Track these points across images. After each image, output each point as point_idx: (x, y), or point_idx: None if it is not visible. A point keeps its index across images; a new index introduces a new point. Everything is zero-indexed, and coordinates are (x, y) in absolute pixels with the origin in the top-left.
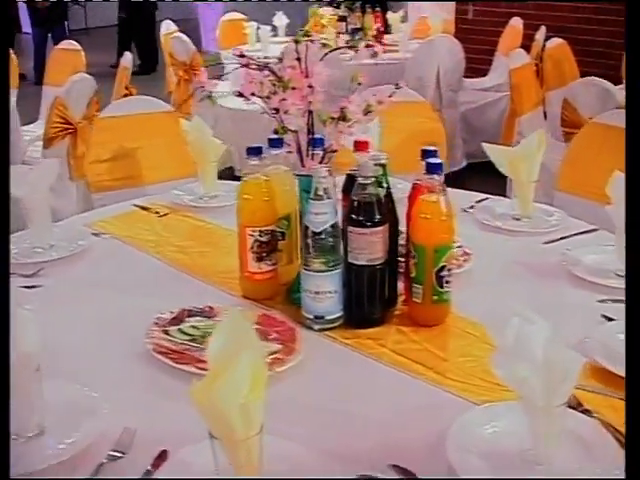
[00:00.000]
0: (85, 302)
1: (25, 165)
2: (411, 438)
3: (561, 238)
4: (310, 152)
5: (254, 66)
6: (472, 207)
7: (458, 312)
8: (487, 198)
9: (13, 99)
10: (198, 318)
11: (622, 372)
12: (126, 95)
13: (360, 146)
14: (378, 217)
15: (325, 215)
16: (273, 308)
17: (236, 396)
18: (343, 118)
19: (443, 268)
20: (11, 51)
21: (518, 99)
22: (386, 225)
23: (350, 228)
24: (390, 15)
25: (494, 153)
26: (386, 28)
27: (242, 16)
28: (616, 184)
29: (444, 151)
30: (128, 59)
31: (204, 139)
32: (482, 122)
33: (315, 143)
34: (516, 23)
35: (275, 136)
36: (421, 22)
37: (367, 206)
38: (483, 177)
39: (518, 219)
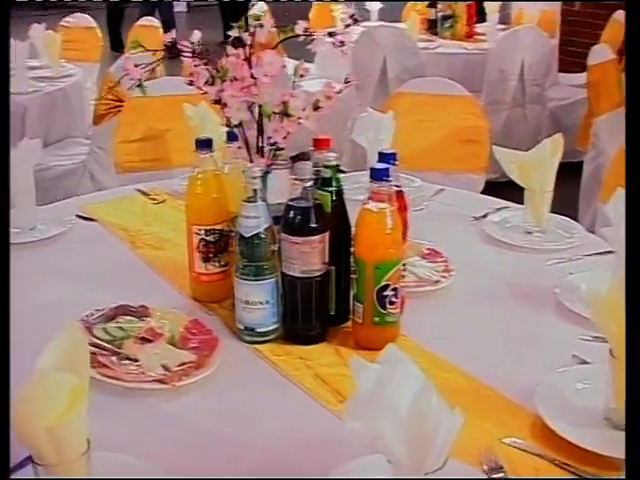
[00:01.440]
0: (36, 289)
1: None
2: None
3: (571, 259)
4: (259, 148)
5: (188, 54)
6: (485, 215)
7: (411, 336)
8: (507, 207)
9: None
10: (129, 318)
11: (563, 431)
12: None
13: (320, 144)
14: (313, 225)
15: (256, 219)
16: (215, 313)
17: (42, 419)
18: (285, 113)
19: (386, 287)
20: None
21: (595, 98)
22: (324, 234)
23: (283, 235)
24: (487, 3)
25: (503, 157)
26: (482, 16)
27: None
28: (618, 202)
29: (485, 151)
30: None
31: (207, 126)
32: (571, 120)
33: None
34: (619, 17)
35: (204, 137)
36: (518, 12)
37: (301, 212)
38: (566, 179)
39: (530, 232)
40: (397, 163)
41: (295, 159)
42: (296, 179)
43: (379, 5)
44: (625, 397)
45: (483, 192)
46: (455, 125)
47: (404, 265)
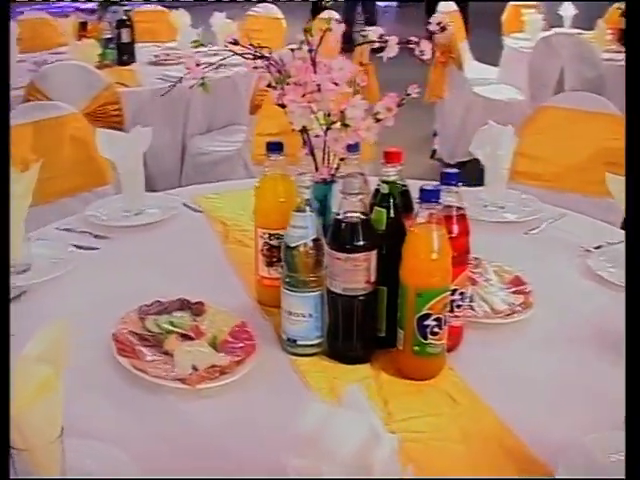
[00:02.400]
0: (122, 274)
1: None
2: None
3: None
4: (326, 157)
5: (249, 56)
6: (599, 247)
7: (458, 371)
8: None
9: None
10: (183, 313)
11: None
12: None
13: (391, 157)
14: (358, 242)
15: (302, 230)
16: (272, 318)
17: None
18: (343, 123)
19: (428, 316)
20: None
21: None
22: (370, 252)
23: (327, 250)
24: None
25: (616, 187)
26: None
27: (527, 2)
28: None
29: None
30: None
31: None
32: None
33: (351, 149)
34: None
35: (275, 139)
36: None
37: (346, 228)
38: None
39: None
40: (460, 184)
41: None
42: (343, 193)
43: (573, 11)
44: (625, 397)
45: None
46: (601, 145)
47: (479, 292)
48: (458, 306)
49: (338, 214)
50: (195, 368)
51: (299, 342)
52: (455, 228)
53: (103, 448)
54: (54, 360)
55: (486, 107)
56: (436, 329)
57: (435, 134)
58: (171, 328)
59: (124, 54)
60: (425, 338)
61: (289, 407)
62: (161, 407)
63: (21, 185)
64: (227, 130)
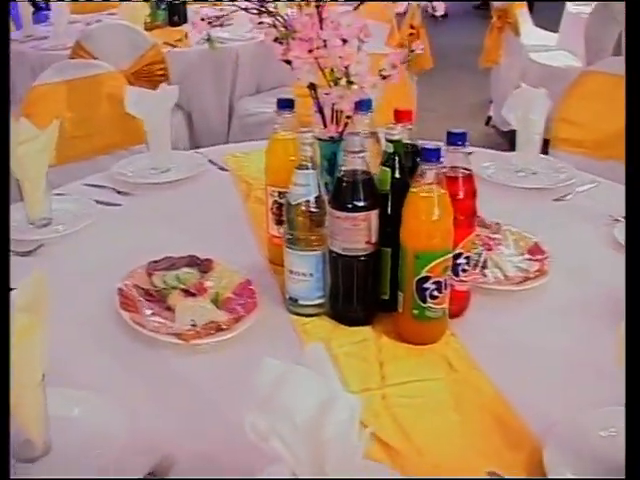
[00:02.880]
0: (138, 229)
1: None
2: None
3: None
4: (334, 114)
5: (254, 10)
6: None
7: (461, 337)
8: None
9: None
10: (191, 269)
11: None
12: (411, 34)
13: (401, 116)
14: (358, 201)
15: (304, 187)
16: (279, 277)
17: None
18: (347, 80)
19: (426, 279)
20: None
21: None
22: (370, 212)
23: (328, 208)
24: None
25: None
26: None
27: None
28: None
29: None
30: None
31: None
32: None
33: (360, 107)
34: None
35: (285, 97)
36: None
37: (346, 186)
38: None
39: None
40: (467, 144)
41: None
42: (345, 150)
43: None
44: (625, 397)
45: None
46: None
47: (493, 257)
48: (464, 270)
49: (341, 172)
50: (194, 324)
51: (300, 301)
52: (461, 190)
53: (91, 397)
54: (35, 309)
55: (541, 74)
56: (435, 293)
57: (491, 101)
58: (176, 284)
59: (175, 15)
60: (424, 302)
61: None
62: (155, 361)
63: (40, 141)
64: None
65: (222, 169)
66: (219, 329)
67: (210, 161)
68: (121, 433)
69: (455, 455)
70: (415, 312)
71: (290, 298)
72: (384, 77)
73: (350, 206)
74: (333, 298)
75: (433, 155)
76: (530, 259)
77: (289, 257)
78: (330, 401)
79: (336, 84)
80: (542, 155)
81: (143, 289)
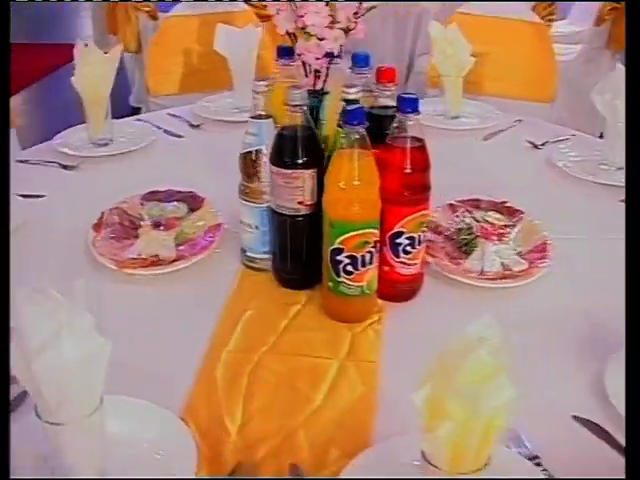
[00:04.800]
0: (182, 160)
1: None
2: None
3: None
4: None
5: None
6: None
7: (389, 327)
8: None
9: None
10: (180, 204)
11: None
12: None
13: (384, 75)
14: (291, 157)
15: (254, 137)
16: None
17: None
18: (305, 32)
19: (339, 251)
20: None
21: None
22: (304, 171)
23: (268, 162)
24: None
25: None
26: None
27: None
28: None
29: None
30: None
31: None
32: None
33: (357, 60)
34: None
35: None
36: None
37: (281, 141)
38: None
39: None
40: (418, 112)
41: None
42: (287, 105)
43: None
44: (625, 397)
45: None
46: None
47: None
48: (406, 252)
49: (282, 127)
50: (153, 254)
51: (247, 253)
52: (407, 161)
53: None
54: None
55: None
56: (349, 268)
57: None
58: (153, 214)
59: None
60: (338, 275)
61: (199, 310)
62: (94, 285)
63: (103, 64)
64: None
65: None
66: (157, 263)
67: None
68: None
69: (269, 436)
70: (330, 285)
71: (242, 248)
72: (347, 31)
73: (283, 162)
74: (273, 256)
75: (355, 116)
76: (527, 258)
77: (241, 207)
78: (55, 337)
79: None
80: None
81: (127, 214)
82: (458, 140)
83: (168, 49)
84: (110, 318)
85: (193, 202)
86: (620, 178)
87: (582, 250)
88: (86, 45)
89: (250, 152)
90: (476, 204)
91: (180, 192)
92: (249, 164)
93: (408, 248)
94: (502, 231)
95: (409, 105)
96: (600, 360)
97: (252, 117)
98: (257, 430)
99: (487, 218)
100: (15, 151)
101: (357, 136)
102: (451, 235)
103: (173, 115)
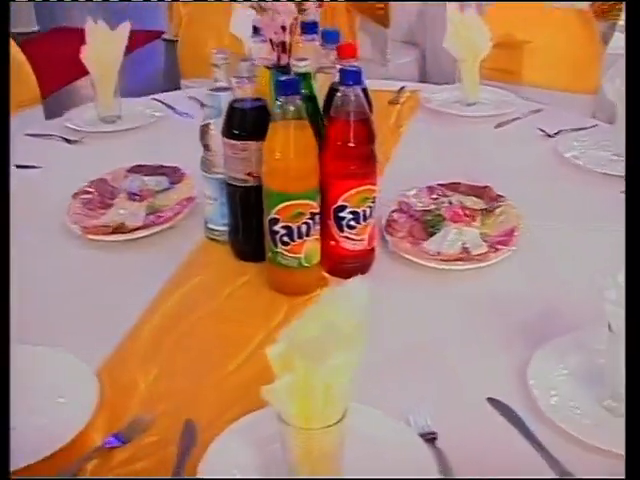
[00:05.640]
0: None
1: None
2: None
3: None
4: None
5: None
6: None
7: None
8: None
9: None
10: (162, 177)
11: None
12: None
13: (345, 51)
14: (239, 129)
15: (210, 109)
16: None
17: None
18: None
19: (275, 221)
20: None
21: None
22: (252, 142)
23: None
24: None
25: None
26: None
27: None
28: None
29: None
30: None
31: None
32: None
33: (307, 29)
34: None
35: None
36: None
37: (231, 112)
38: None
39: None
40: (361, 83)
41: None
42: (235, 77)
43: None
44: (625, 397)
45: None
46: None
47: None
48: (350, 227)
49: (233, 99)
50: (121, 222)
51: (208, 225)
52: (350, 134)
53: None
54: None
55: None
56: (286, 238)
57: None
58: (133, 186)
59: None
60: (275, 245)
61: (150, 276)
62: (59, 248)
63: (112, 42)
64: None
65: None
66: (120, 231)
67: None
68: None
69: (173, 394)
70: (269, 255)
71: (205, 220)
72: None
73: (232, 133)
74: (229, 227)
75: (289, 87)
76: (490, 242)
77: (203, 179)
78: None
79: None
80: None
81: (109, 185)
82: (470, 127)
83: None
84: (67, 280)
85: (174, 176)
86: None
87: (555, 239)
88: (95, 22)
89: (207, 124)
90: (455, 187)
91: (164, 167)
92: (206, 136)
93: (352, 223)
94: (472, 214)
95: (351, 77)
96: (530, 349)
97: (210, 90)
98: (163, 388)
99: (464, 201)
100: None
101: (292, 107)
102: (419, 216)
103: (190, 97)
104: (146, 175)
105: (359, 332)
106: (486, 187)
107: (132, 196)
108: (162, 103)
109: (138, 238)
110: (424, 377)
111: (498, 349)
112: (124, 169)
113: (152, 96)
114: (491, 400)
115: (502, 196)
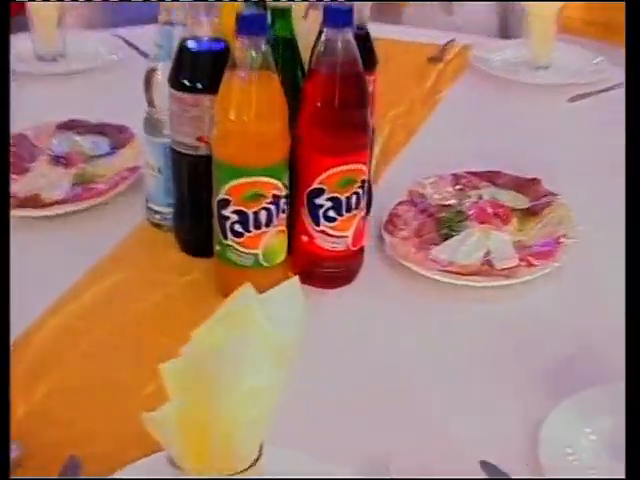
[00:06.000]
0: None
1: None
2: None
3: None
4: None
5: None
6: None
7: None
8: None
9: None
10: (101, 137)
11: None
12: None
13: None
14: (189, 79)
15: (158, 49)
16: None
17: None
18: None
19: (226, 203)
20: None
21: None
22: (207, 96)
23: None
24: None
25: None
26: None
27: None
28: None
29: None
30: None
31: None
32: None
33: None
34: None
35: None
36: None
37: (182, 57)
38: None
39: None
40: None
41: None
42: (191, 15)
43: None
44: (625, 397)
45: None
46: None
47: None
48: (329, 218)
49: (182, 40)
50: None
51: (149, 203)
52: (334, 93)
53: None
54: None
55: None
56: (238, 227)
57: None
58: (59, 148)
59: None
60: (225, 236)
61: (65, 265)
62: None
63: None
64: None
65: None
66: (30, 204)
67: None
68: None
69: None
70: (217, 248)
71: (146, 199)
72: None
73: (179, 82)
74: (174, 208)
75: (253, 24)
76: (523, 254)
77: (144, 143)
78: None
79: None
80: None
81: (30, 143)
82: (535, 99)
83: None
84: None
85: (118, 138)
86: None
87: (614, 258)
88: None
89: (153, 69)
90: (492, 177)
91: (107, 125)
92: (150, 87)
93: (331, 213)
94: (506, 214)
95: (339, 17)
96: (551, 400)
97: (161, 23)
98: (50, 412)
99: (499, 196)
100: None
101: (254, 52)
102: (434, 212)
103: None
104: (80, 134)
105: (288, 349)
106: (534, 180)
107: (56, 160)
108: (124, 40)
109: (56, 216)
110: (404, 425)
111: (507, 398)
112: (54, 124)
113: (116, 29)
114: (484, 464)
115: (554, 194)
